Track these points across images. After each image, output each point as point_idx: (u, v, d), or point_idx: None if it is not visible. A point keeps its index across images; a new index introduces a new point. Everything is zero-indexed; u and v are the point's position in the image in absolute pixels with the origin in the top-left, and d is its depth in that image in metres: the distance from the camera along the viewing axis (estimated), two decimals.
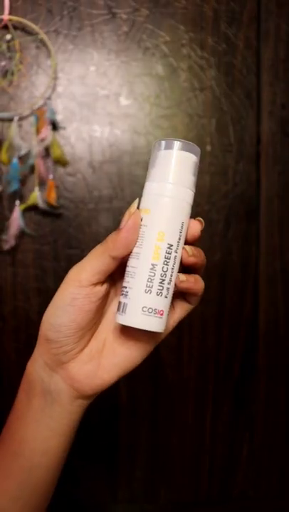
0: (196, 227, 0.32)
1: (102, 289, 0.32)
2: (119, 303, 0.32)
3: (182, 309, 0.35)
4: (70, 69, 0.59)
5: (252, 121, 0.62)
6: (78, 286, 0.31)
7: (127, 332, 0.34)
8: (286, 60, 0.63)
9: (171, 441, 0.65)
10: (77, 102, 0.60)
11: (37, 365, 0.33)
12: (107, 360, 0.33)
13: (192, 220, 0.33)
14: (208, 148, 0.62)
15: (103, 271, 0.31)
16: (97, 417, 0.63)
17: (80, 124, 0.60)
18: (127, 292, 0.32)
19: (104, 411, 0.63)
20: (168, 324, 0.35)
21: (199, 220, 0.33)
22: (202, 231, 0.33)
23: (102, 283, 0.32)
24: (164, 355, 0.63)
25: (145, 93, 0.61)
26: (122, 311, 0.32)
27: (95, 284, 0.31)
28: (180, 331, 0.63)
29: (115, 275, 0.34)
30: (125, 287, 0.32)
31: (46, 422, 0.34)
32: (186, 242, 0.33)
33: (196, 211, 0.60)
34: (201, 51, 0.61)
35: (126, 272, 0.32)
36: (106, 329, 0.35)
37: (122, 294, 0.32)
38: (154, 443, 0.65)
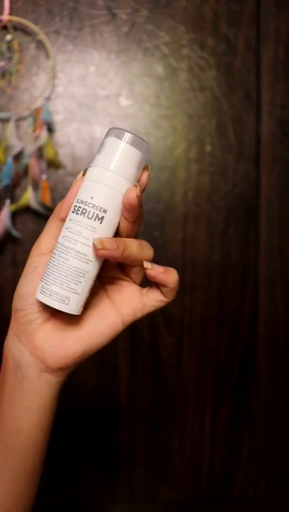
0: (132, 192, 0.30)
1: None
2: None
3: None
4: (70, 69, 0.60)
5: (252, 122, 0.63)
6: (38, 255, 0.33)
7: (93, 307, 0.34)
8: (286, 60, 0.63)
9: (171, 441, 0.65)
10: (78, 102, 0.60)
11: (9, 340, 0.34)
12: (71, 333, 0.34)
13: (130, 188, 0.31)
14: (208, 148, 0.62)
15: (57, 234, 0.32)
16: (97, 417, 0.63)
17: (80, 124, 0.60)
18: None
19: (104, 411, 0.63)
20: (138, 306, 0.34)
21: (135, 185, 0.31)
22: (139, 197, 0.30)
23: None
24: (163, 356, 0.63)
25: (145, 93, 0.61)
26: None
27: None
28: (180, 331, 0.63)
29: None
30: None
31: (18, 400, 0.34)
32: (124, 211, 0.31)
33: (196, 211, 0.60)
34: (201, 51, 0.61)
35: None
36: None
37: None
38: (154, 443, 0.65)
